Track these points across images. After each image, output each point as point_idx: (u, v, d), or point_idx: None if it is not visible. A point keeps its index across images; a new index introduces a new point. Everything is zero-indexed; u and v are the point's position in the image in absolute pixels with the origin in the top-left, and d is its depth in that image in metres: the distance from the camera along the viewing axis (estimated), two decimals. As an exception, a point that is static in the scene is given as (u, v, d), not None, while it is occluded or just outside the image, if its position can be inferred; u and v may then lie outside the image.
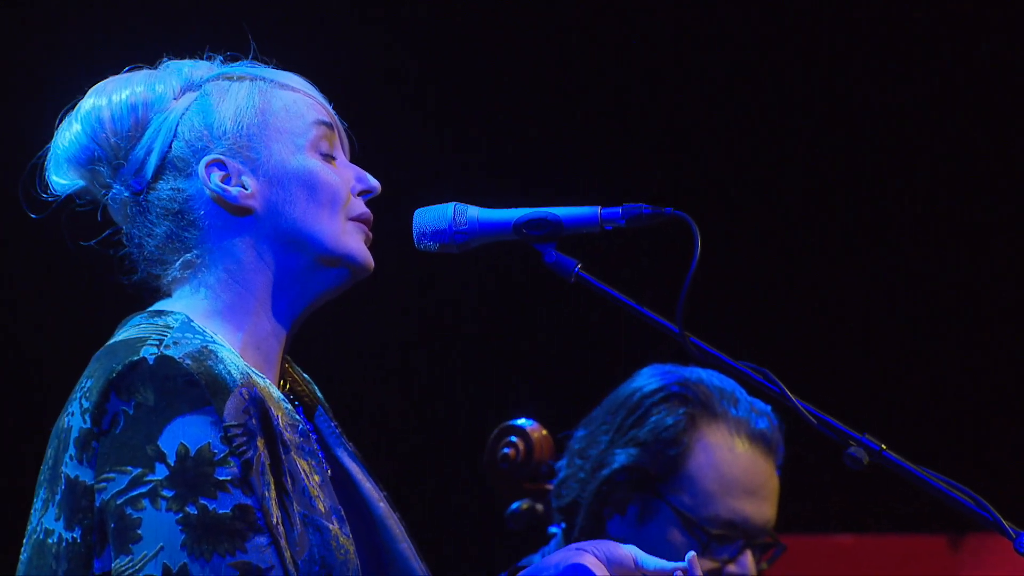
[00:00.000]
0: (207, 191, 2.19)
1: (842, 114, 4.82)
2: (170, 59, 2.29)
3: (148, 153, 2.20)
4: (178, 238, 2.20)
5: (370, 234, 2.28)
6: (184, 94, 2.24)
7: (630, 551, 2.15)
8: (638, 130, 4.82)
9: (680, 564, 2.14)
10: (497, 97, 4.67)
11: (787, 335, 4.79)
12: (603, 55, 4.78)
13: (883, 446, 2.16)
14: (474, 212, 2.29)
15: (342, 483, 2.25)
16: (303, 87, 2.28)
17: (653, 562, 2.14)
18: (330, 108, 2.30)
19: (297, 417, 2.18)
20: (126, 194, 2.22)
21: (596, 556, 2.12)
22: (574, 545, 2.15)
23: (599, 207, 2.27)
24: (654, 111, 4.82)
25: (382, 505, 2.28)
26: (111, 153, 2.21)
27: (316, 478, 2.13)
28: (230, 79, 2.26)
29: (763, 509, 3.13)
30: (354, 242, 2.25)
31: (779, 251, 4.84)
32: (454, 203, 2.29)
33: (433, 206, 2.30)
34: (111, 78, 2.26)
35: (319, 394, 2.34)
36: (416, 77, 4.60)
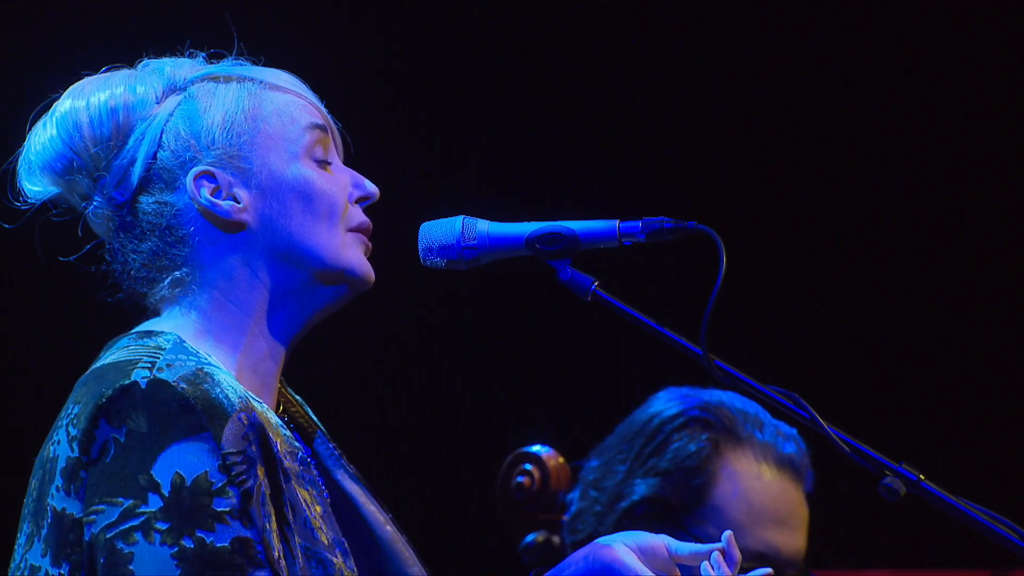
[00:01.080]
0: (196, 205, 2.09)
1: (882, 127, 4.72)
2: (150, 58, 2.19)
3: (131, 164, 2.11)
4: (166, 255, 2.11)
5: (370, 244, 2.18)
6: (167, 97, 2.14)
7: (661, 540, 2.09)
8: (659, 139, 4.71)
9: (718, 544, 2.08)
10: (505, 102, 4.56)
11: (816, 356, 4.67)
12: (615, 58, 4.67)
13: (921, 476, 2.08)
14: (484, 226, 2.21)
15: (343, 508, 2.18)
16: (294, 87, 2.18)
17: (687, 547, 2.09)
18: (323, 108, 2.21)
19: (296, 444, 2.11)
20: (108, 207, 2.13)
21: (626, 546, 2.06)
22: (599, 539, 2.09)
23: (617, 220, 2.19)
24: (679, 117, 4.71)
25: (389, 529, 2.20)
26: (90, 163, 2.12)
27: (318, 508, 2.06)
28: (216, 80, 2.15)
29: (793, 539, 2.99)
30: (354, 255, 2.16)
31: (808, 268, 4.72)
32: (462, 216, 2.22)
33: (440, 220, 2.22)
34: (88, 79, 2.16)
35: (313, 416, 2.27)
36: (419, 80, 4.48)
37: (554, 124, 4.67)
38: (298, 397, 2.27)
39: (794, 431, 3.01)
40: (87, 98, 2.12)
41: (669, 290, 4.42)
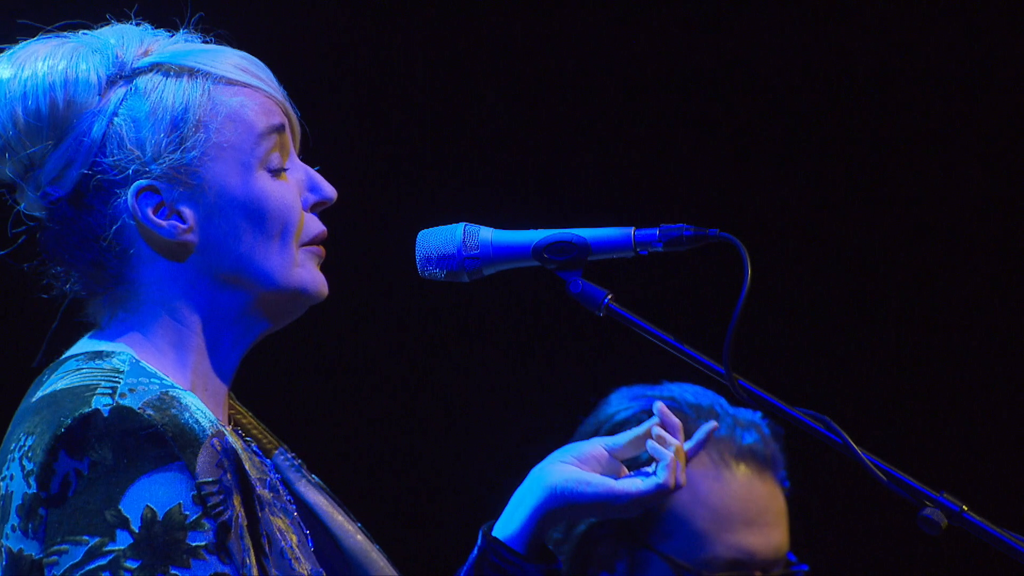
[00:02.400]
0: (136, 223, 1.92)
1: (911, 133, 4.57)
2: (94, 26, 1.98)
3: (68, 165, 1.92)
4: (104, 267, 1.94)
5: (324, 254, 2.02)
6: (112, 88, 1.93)
7: (597, 443, 2.07)
8: (675, 140, 4.55)
9: (652, 420, 2.07)
10: (509, 101, 4.40)
11: (849, 376, 4.48)
12: (619, 59, 4.52)
13: (963, 507, 1.93)
14: (487, 234, 2.05)
15: (307, 521, 2.04)
16: (252, 78, 1.98)
17: (623, 439, 2.07)
18: (283, 97, 2.01)
19: (266, 468, 1.98)
20: (41, 202, 1.94)
21: (565, 463, 2.03)
22: (537, 467, 2.05)
23: (632, 228, 2.03)
24: (697, 117, 4.55)
25: (360, 539, 2.07)
26: (18, 145, 1.92)
27: (293, 538, 1.93)
28: (167, 72, 1.95)
29: (770, 538, 2.76)
30: (307, 273, 1.99)
31: (836, 282, 4.54)
32: (464, 224, 2.05)
33: (439, 227, 2.06)
34: (24, 46, 1.95)
35: (264, 427, 2.12)
36: (417, 77, 4.30)
37: (559, 124, 4.53)
38: (243, 407, 2.12)
39: (755, 416, 2.79)
40: (19, 67, 1.92)
41: (681, 297, 4.26)
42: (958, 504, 1.92)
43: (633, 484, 2.05)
